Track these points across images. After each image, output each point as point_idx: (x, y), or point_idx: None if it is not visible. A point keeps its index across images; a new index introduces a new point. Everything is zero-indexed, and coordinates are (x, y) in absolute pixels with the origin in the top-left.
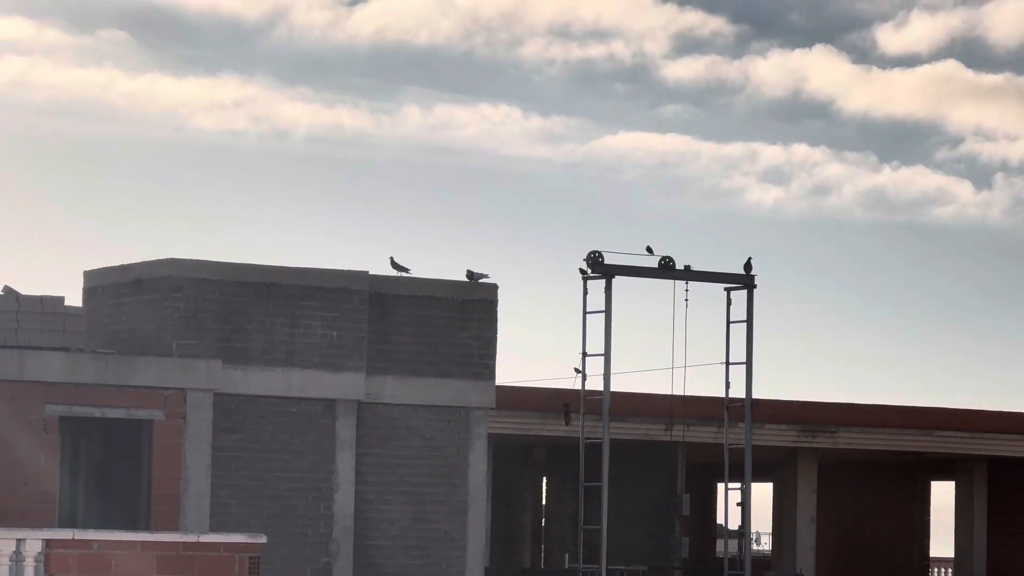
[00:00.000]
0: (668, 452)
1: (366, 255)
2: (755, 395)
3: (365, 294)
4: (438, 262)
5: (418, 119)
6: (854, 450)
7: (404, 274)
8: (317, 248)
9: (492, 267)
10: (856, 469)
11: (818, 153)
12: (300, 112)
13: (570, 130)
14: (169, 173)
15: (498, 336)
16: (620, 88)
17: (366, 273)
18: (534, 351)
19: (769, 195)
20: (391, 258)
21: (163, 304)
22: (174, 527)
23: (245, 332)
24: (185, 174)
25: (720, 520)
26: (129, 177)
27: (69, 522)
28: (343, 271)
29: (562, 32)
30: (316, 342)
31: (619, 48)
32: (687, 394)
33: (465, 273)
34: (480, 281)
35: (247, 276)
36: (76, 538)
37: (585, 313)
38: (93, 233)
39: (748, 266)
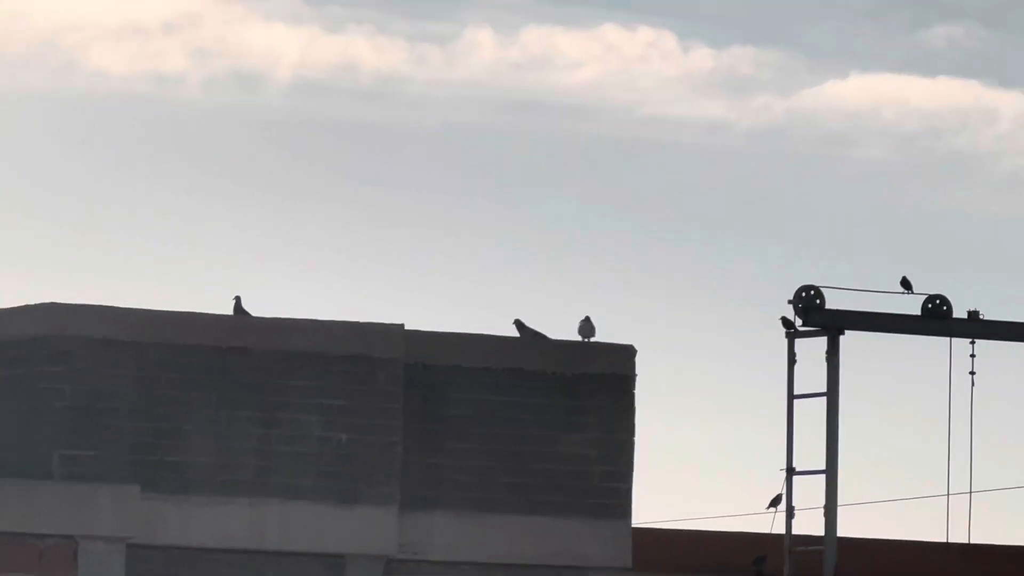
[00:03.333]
0: None
1: (400, 295)
2: None
3: (399, 365)
4: (523, 300)
5: (491, 51)
6: None
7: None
8: (312, 286)
9: (614, 316)
10: None
11: None
12: (279, 42)
13: (763, 71)
14: (49, 146)
15: (636, 438)
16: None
17: (401, 328)
18: (697, 463)
19: None
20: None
21: (35, 386)
22: None
23: (183, 435)
24: (77, 149)
25: None
26: None
27: None
28: (359, 325)
29: None
30: (312, 452)
31: None
32: (975, 541)
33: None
34: (589, 340)
35: (188, 334)
36: None
37: (792, 396)
38: None
39: None
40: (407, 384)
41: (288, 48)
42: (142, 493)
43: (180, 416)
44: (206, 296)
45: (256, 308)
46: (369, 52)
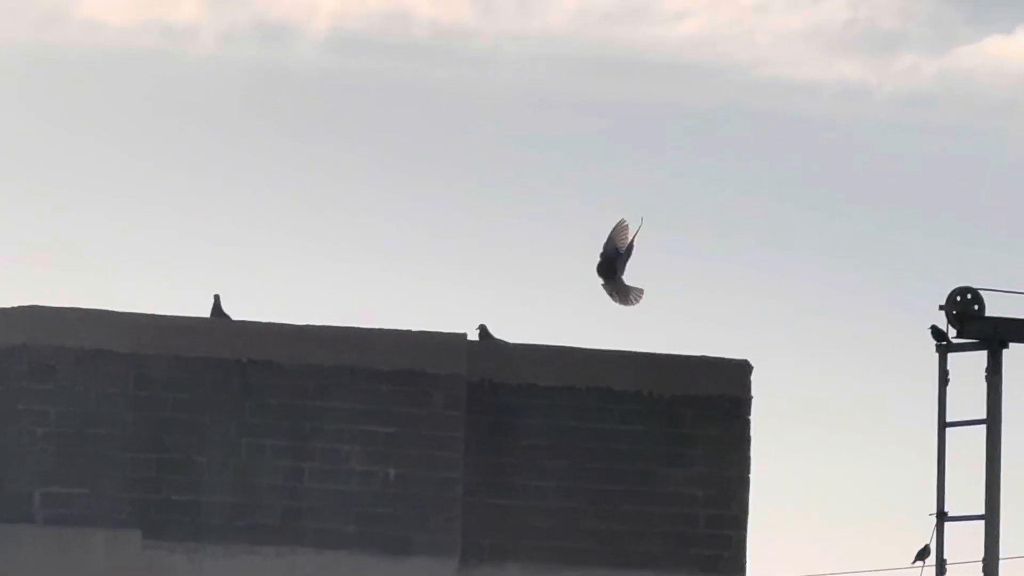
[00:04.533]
0: None
1: (461, 298)
2: None
3: (460, 384)
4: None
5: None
6: None
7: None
8: (352, 285)
9: (724, 325)
10: None
11: None
12: None
13: (909, 24)
14: (30, 111)
15: (751, 475)
16: None
17: (463, 339)
18: (826, 506)
19: None
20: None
21: (13, 407)
22: None
23: (194, 469)
24: (65, 115)
25: None
26: None
27: None
28: (412, 334)
29: None
30: (354, 490)
31: None
32: None
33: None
34: (702, 358)
35: (200, 344)
36: None
37: (943, 424)
38: None
39: None
40: (470, 407)
41: None
42: (144, 540)
43: (191, 445)
44: (221, 297)
45: (285, 312)
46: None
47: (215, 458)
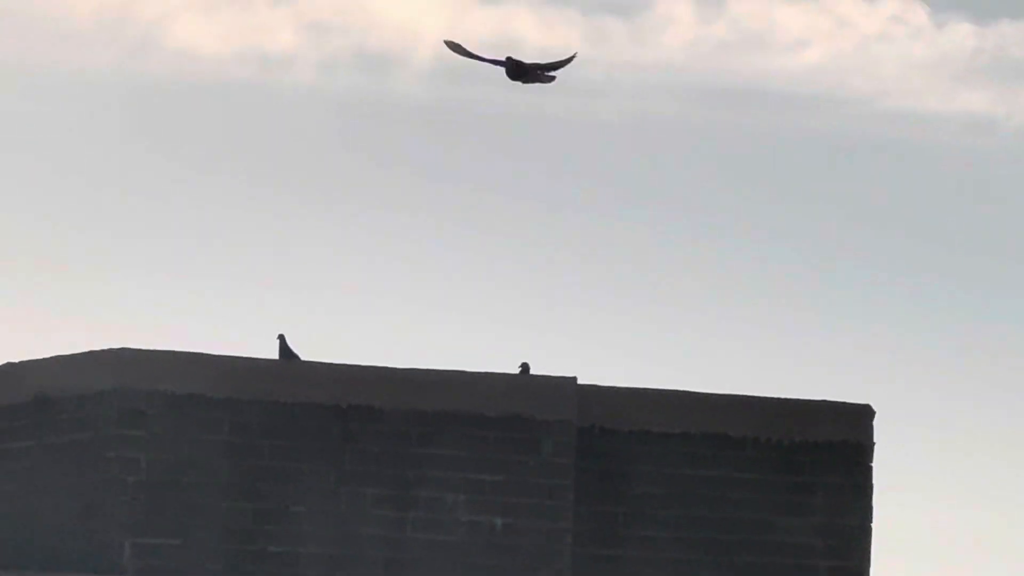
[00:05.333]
0: None
1: (571, 340)
2: None
3: (570, 430)
4: (722, 346)
5: (690, 27)
6: None
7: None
8: (458, 327)
9: (845, 367)
10: None
11: None
12: (419, 13)
13: None
14: (118, 141)
15: (873, 524)
16: None
17: (573, 383)
18: (954, 559)
19: None
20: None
21: (102, 455)
22: None
23: (292, 519)
24: (154, 147)
25: None
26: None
27: None
28: (519, 379)
29: None
30: (459, 540)
31: None
32: None
33: (520, 368)
34: (821, 402)
35: (298, 389)
36: None
37: None
38: None
39: None
40: (580, 454)
41: (430, 22)
42: None
43: (288, 494)
44: (320, 340)
45: (388, 356)
46: (534, 27)
47: (313, 507)
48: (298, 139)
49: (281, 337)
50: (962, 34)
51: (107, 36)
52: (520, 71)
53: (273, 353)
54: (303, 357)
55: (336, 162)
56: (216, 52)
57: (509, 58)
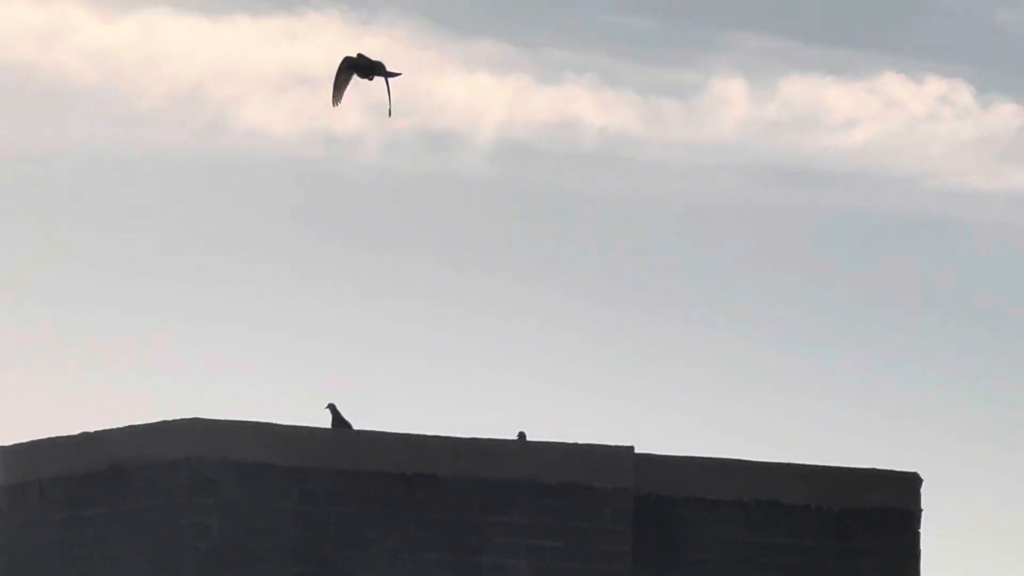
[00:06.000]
0: None
1: (629, 410)
2: None
3: (628, 497)
4: (780, 415)
5: (743, 107)
6: None
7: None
8: (517, 397)
9: (893, 437)
10: None
11: None
12: (481, 95)
13: None
14: (191, 218)
15: None
16: None
17: (630, 451)
18: None
19: None
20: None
21: (175, 522)
22: None
23: None
24: (225, 223)
25: None
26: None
27: None
28: (578, 447)
29: None
30: None
31: None
32: None
33: (517, 436)
34: (871, 470)
35: (363, 458)
36: None
37: None
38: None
39: None
40: (638, 520)
41: (492, 102)
42: None
43: (354, 560)
44: (384, 411)
45: (449, 425)
46: (593, 107)
47: (379, 573)
48: (364, 216)
49: (331, 406)
50: (1007, 114)
51: (179, 117)
52: (369, 70)
53: (325, 422)
54: (356, 426)
55: (400, 237)
56: (284, 132)
57: (347, 57)
